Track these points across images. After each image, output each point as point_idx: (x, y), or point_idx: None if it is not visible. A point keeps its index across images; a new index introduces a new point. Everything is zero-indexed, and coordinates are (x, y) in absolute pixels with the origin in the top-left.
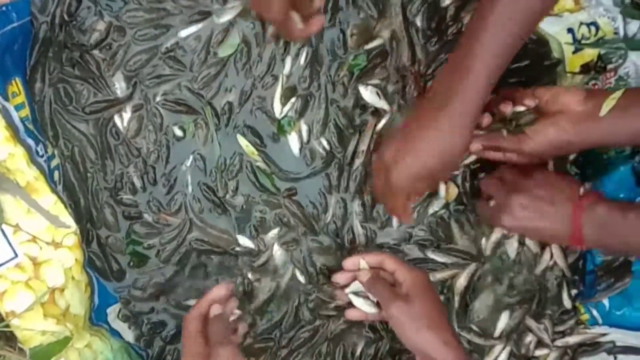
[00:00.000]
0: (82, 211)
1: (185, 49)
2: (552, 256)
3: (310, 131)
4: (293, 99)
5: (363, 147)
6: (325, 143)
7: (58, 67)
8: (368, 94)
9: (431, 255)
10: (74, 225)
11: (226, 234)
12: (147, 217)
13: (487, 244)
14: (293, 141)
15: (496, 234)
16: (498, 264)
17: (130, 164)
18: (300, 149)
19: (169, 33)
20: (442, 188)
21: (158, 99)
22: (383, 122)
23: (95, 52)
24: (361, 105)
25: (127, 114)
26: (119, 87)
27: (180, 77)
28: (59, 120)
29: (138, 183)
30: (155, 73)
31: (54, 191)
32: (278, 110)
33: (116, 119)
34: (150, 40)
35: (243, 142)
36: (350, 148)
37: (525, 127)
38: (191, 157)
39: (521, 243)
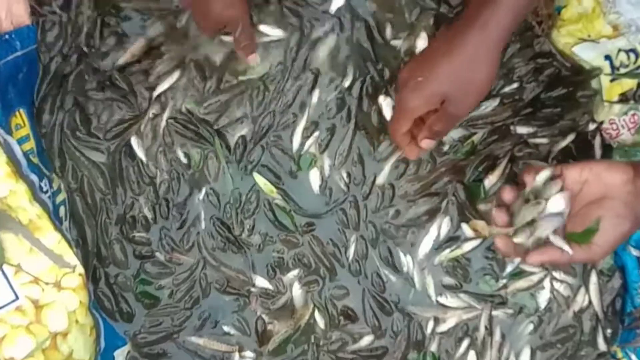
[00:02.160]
0: (89, 247)
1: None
2: (587, 297)
3: (332, 165)
4: (317, 133)
5: (382, 179)
6: (345, 175)
7: (79, 95)
8: (385, 105)
9: (441, 300)
10: (79, 265)
11: (241, 273)
12: (160, 255)
13: (511, 288)
14: (314, 177)
15: (524, 282)
16: (526, 310)
17: (142, 194)
18: (321, 186)
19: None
20: (465, 227)
21: (167, 115)
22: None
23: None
24: (384, 128)
25: (144, 131)
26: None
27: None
28: (69, 149)
29: (149, 214)
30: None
31: (58, 229)
32: (297, 143)
33: (133, 141)
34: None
35: (260, 180)
36: (370, 178)
37: (589, 237)
38: (204, 190)
39: (553, 292)
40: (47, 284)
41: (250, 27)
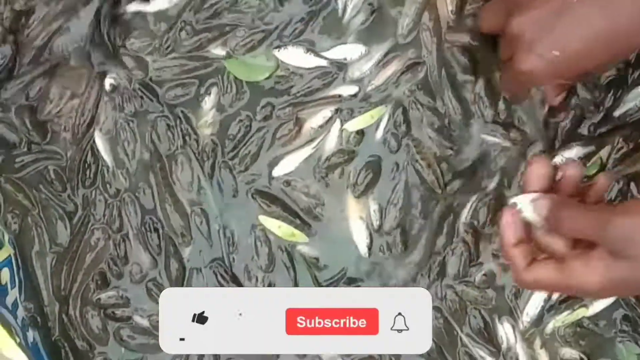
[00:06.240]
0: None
1: None
2: None
3: (383, 212)
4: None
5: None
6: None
7: None
8: None
9: None
10: None
11: None
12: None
13: None
14: (357, 229)
15: None
16: None
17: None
18: (369, 246)
19: None
20: None
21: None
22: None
23: None
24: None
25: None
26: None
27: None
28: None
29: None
30: None
31: None
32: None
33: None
34: None
35: (269, 222)
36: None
37: None
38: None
39: None
40: None
41: None
